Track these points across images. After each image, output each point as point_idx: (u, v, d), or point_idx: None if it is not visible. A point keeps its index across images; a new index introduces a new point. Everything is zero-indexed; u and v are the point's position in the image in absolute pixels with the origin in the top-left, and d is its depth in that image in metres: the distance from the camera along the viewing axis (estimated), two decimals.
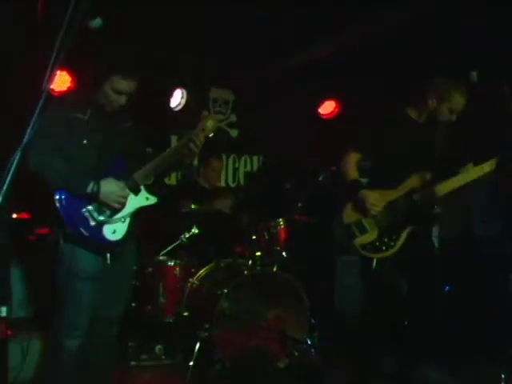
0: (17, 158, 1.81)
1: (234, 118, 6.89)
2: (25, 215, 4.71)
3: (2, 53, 4.56)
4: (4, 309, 2.37)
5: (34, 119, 1.85)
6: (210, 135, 3.22)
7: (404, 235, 3.58)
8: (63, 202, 3.10)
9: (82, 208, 3.13)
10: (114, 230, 3.20)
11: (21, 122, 2.02)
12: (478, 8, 4.18)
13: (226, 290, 4.33)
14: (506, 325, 4.39)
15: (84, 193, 3.11)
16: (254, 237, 4.98)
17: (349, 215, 3.71)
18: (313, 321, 4.75)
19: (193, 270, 4.88)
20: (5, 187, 1.78)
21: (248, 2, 4.55)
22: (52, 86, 2.07)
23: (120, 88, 3.15)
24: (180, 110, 5.91)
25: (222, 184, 6.69)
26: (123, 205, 3.23)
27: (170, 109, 5.90)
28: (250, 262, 4.76)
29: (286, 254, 4.93)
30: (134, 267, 3.58)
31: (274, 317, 4.50)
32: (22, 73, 4.66)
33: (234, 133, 6.88)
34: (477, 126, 4.42)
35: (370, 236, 3.63)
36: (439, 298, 3.79)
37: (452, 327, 4.46)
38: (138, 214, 3.32)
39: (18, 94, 4.54)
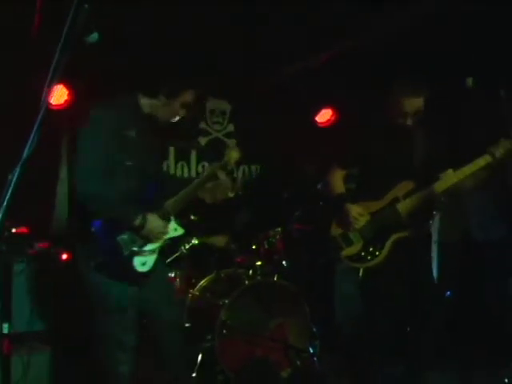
0: (16, 173, 1.80)
1: (231, 128, 6.90)
2: (24, 229, 4.69)
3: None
4: (6, 325, 2.36)
5: (33, 134, 1.85)
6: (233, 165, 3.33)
7: (389, 244, 3.59)
8: (99, 230, 3.00)
9: (116, 236, 3.00)
10: (144, 262, 3.07)
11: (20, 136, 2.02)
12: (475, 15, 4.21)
13: (227, 301, 4.33)
14: (507, 328, 4.39)
15: (131, 225, 3.00)
16: (253, 246, 4.98)
17: (335, 228, 3.74)
18: (314, 329, 4.74)
19: (193, 281, 4.87)
20: (5, 204, 1.77)
21: (245, 13, 4.57)
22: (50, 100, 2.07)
23: (188, 100, 3.14)
24: (177, 122, 5.90)
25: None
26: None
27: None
28: (251, 271, 4.76)
29: (286, 262, 4.93)
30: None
31: (276, 326, 4.49)
32: (22, 87, 4.66)
33: (231, 143, 6.88)
34: (464, 130, 4.41)
35: (356, 247, 3.66)
36: (439, 304, 3.79)
37: (453, 332, 4.45)
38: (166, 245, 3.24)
39: (17, 108, 4.54)
